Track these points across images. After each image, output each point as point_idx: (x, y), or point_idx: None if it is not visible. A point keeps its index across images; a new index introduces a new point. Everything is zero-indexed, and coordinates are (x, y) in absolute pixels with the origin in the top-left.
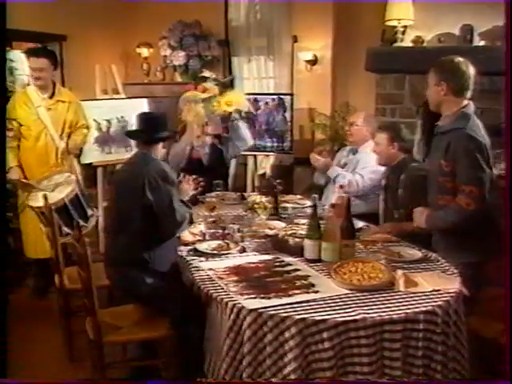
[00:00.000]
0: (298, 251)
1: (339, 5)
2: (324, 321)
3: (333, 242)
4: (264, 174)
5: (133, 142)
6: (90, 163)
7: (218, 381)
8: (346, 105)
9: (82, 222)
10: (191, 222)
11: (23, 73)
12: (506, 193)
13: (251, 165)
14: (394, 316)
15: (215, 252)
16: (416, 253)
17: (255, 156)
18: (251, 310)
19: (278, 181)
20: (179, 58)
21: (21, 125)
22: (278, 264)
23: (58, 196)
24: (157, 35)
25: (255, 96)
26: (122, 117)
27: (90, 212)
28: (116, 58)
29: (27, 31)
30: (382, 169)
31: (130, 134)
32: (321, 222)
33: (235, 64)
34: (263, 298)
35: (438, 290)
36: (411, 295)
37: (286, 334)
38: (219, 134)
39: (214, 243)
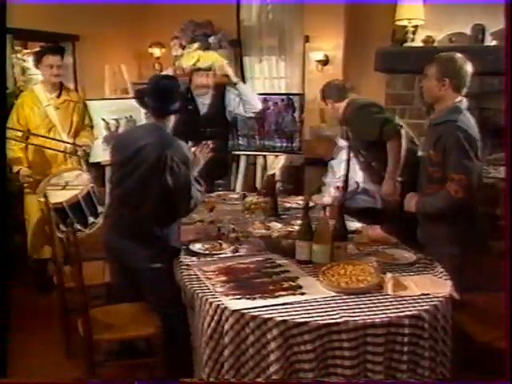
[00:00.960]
0: (290, 252)
1: (351, 5)
2: (306, 323)
3: (323, 244)
4: (273, 175)
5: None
6: (99, 162)
7: (215, 381)
8: None
9: (93, 219)
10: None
11: (37, 72)
12: (507, 193)
13: (260, 165)
14: (377, 320)
15: (207, 252)
16: (411, 256)
17: (265, 156)
18: (234, 311)
19: (281, 181)
20: None
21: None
22: (268, 265)
23: (70, 193)
24: (169, 35)
25: (264, 96)
26: (131, 116)
27: (100, 209)
28: (129, 58)
29: (40, 31)
30: None
31: (143, 104)
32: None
33: (246, 64)
34: (248, 298)
35: (427, 294)
36: (398, 299)
37: (268, 336)
38: (224, 86)
39: (208, 243)
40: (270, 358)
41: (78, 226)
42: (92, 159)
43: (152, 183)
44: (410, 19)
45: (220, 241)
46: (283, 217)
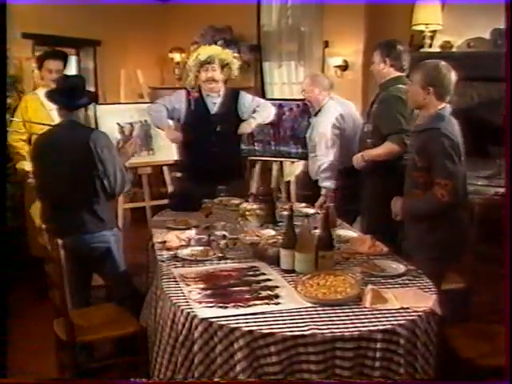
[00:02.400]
0: (276, 261)
1: (371, 10)
2: (272, 334)
3: (306, 253)
4: (289, 182)
5: (155, 145)
6: None
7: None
8: None
9: None
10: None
11: None
12: (507, 192)
13: (276, 171)
14: (346, 333)
15: (192, 258)
16: (399, 267)
17: (281, 162)
18: (203, 319)
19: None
20: None
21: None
22: (251, 273)
23: None
24: (190, 40)
25: (280, 102)
26: (146, 121)
27: None
28: (151, 63)
29: (61, 37)
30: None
31: (54, 99)
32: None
33: (266, 69)
34: (220, 307)
35: (407, 309)
36: (375, 312)
37: (235, 346)
38: (238, 91)
39: (198, 249)
40: (236, 368)
41: None
42: None
43: (84, 175)
44: (427, 24)
45: (208, 247)
46: (280, 224)
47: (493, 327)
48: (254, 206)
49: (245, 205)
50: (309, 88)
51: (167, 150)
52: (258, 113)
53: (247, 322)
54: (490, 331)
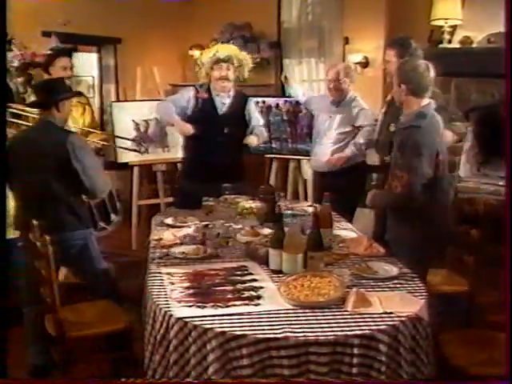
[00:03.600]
0: (266, 261)
1: (392, 5)
2: (244, 336)
3: (293, 253)
4: (306, 180)
5: (170, 142)
6: (126, 163)
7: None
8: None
9: (114, 216)
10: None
11: (84, 74)
12: (507, 193)
13: (292, 169)
14: (321, 337)
15: (183, 256)
16: (392, 270)
17: (299, 160)
18: (178, 319)
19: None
20: None
21: None
22: (239, 273)
23: None
24: (210, 37)
25: (296, 99)
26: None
27: (118, 206)
28: (173, 60)
29: (82, 35)
30: None
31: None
32: None
33: (287, 66)
34: (199, 307)
35: (390, 313)
36: (356, 316)
37: (208, 347)
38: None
39: (190, 247)
40: (209, 370)
41: (102, 224)
42: (120, 159)
43: (61, 176)
44: (446, 19)
45: (200, 245)
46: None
47: (491, 334)
48: (253, 205)
49: (243, 203)
50: (343, 78)
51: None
52: (261, 132)
53: (222, 323)
54: (487, 338)
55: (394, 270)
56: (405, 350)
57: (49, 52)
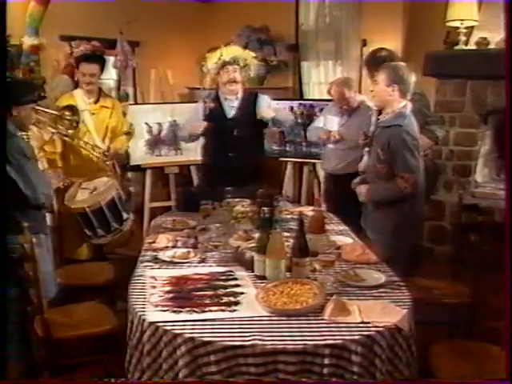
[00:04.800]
0: (252, 266)
1: (410, 8)
2: (211, 343)
3: (275, 259)
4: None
5: (183, 145)
6: (139, 165)
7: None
8: None
9: (116, 226)
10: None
11: (107, 77)
12: (507, 193)
13: (306, 173)
14: (289, 346)
15: (169, 260)
16: (380, 278)
17: (314, 164)
18: (151, 323)
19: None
20: None
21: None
22: (223, 277)
23: (94, 199)
24: (227, 40)
25: (310, 102)
26: (175, 121)
27: (125, 216)
28: (191, 63)
29: (100, 38)
30: None
31: None
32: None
33: (304, 69)
34: (174, 312)
35: (368, 323)
36: (331, 325)
37: (178, 352)
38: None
39: (180, 251)
40: (179, 375)
41: (101, 232)
42: (132, 162)
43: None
44: (462, 20)
45: (190, 249)
46: (278, 228)
47: (481, 346)
48: (248, 209)
49: (238, 207)
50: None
51: (195, 150)
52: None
53: (193, 329)
54: (480, 350)
55: (381, 279)
56: (381, 362)
57: (74, 57)
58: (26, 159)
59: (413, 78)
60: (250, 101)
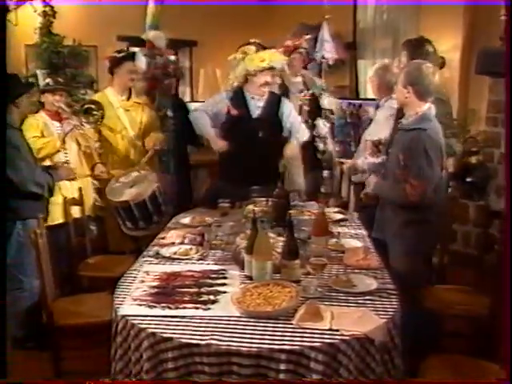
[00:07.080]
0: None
1: (470, 5)
2: (170, 339)
3: (261, 260)
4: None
5: None
6: None
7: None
8: (472, 112)
9: (157, 218)
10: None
11: None
12: (507, 193)
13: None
14: (243, 349)
15: (168, 256)
16: (372, 284)
17: None
18: (122, 316)
19: None
20: None
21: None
22: (214, 276)
23: (136, 192)
24: (282, 38)
25: (360, 102)
26: None
27: (164, 208)
28: None
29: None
30: None
31: None
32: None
33: (361, 67)
34: (149, 306)
35: (336, 330)
36: (298, 330)
37: (143, 346)
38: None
39: (184, 248)
40: (143, 368)
41: (143, 224)
42: None
43: None
44: None
45: (193, 246)
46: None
47: (479, 363)
48: (257, 208)
49: (251, 206)
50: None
51: None
52: (298, 133)
53: (158, 325)
54: (474, 367)
55: (373, 285)
56: (347, 371)
57: (114, 55)
58: (14, 149)
59: (435, 79)
60: (274, 102)
